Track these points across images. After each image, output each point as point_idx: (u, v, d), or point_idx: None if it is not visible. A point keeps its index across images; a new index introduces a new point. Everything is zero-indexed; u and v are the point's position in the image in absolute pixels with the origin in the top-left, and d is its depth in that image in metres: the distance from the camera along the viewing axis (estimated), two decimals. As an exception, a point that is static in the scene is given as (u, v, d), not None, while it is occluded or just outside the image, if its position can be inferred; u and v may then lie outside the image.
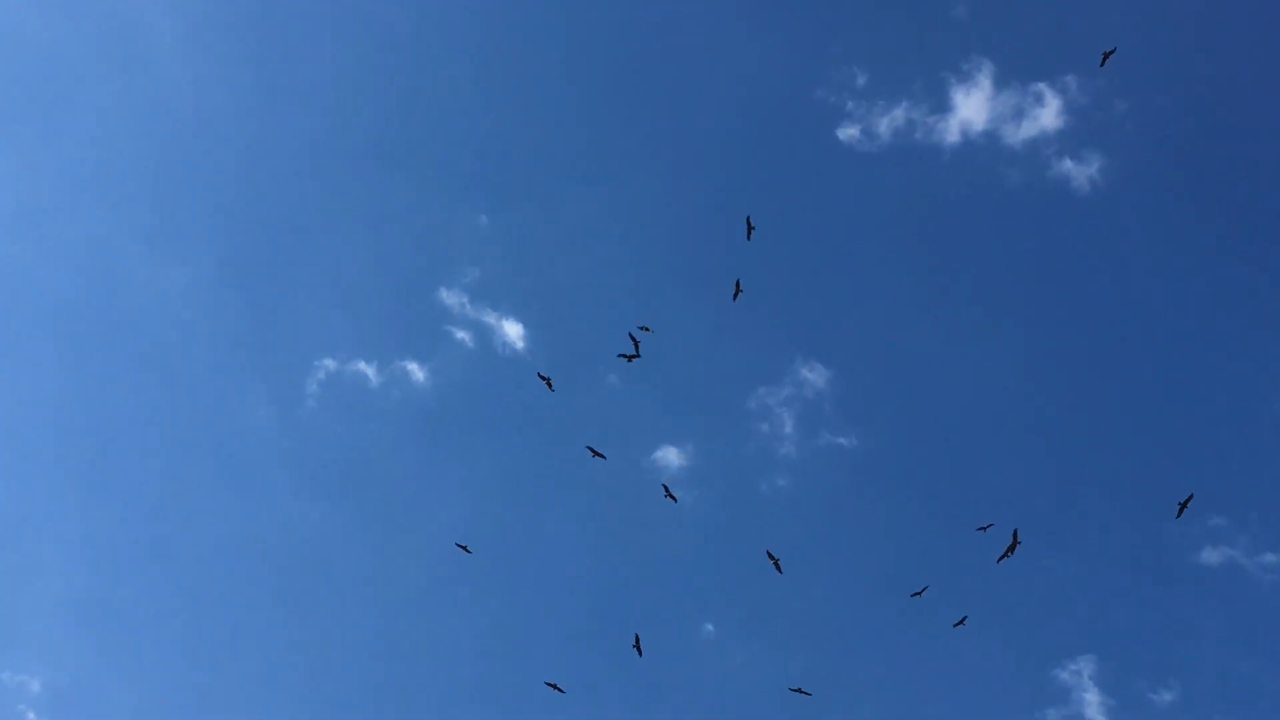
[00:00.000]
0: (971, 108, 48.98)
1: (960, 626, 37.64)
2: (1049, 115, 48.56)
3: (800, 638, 45.87)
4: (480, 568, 46.68)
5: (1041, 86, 48.82)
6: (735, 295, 38.21)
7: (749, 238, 37.87)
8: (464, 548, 39.54)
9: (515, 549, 48.47)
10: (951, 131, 49.19)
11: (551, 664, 45.28)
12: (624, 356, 38.44)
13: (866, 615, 45.93)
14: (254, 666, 46.42)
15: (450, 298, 50.41)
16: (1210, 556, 43.45)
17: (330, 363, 49.61)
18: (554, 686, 37.72)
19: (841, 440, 47.84)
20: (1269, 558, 42.97)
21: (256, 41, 54.57)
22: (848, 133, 49.83)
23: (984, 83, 49.05)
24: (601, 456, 38.70)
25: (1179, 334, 48.89)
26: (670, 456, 47.58)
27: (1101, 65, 37.67)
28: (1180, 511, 35.08)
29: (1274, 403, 46.04)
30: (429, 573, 48.21)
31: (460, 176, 54.25)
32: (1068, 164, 48.31)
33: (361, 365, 49.69)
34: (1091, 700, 41.90)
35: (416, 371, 50.00)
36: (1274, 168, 48.75)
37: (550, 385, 39.37)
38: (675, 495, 39.58)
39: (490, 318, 50.09)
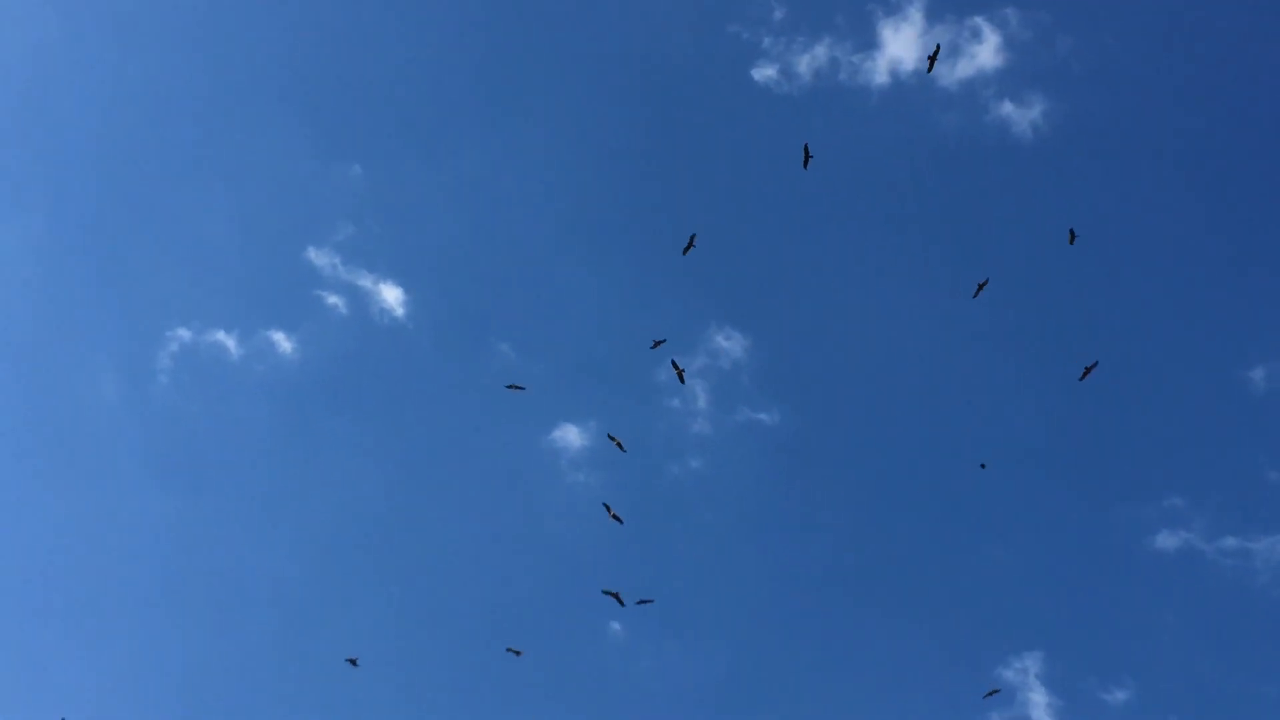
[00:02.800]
0: (901, 45, 46.76)
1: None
2: (987, 53, 46.54)
3: (719, 637, 43.55)
4: (360, 563, 45.02)
5: (978, 20, 46.74)
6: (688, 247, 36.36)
7: None
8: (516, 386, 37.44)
9: (398, 541, 45.69)
10: (879, 71, 47.00)
11: (441, 666, 43.43)
12: None
13: (792, 610, 43.56)
14: (104, 680, 42.87)
15: (320, 258, 47.36)
16: (1166, 541, 41.88)
17: (184, 333, 46.64)
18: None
19: (762, 416, 45.26)
20: (1230, 542, 41.55)
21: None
22: (764, 73, 47.42)
23: (915, 16, 46.97)
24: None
25: (1132, 299, 46.69)
26: (570, 436, 45.02)
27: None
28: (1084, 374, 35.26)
29: (1234, 369, 44.12)
30: (300, 569, 45.27)
31: (330, 121, 50.60)
32: (1008, 107, 46.45)
33: (220, 335, 46.78)
34: (1038, 700, 40.08)
35: (283, 342, 47.04)
36: (1235, 110, 47.00)
37: None
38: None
39: (365, 281, 47.20)
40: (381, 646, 43.06)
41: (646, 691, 41.92)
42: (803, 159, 34.47)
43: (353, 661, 36.70)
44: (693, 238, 35.61)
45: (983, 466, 38.17)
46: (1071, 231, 36.53)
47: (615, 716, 41.64)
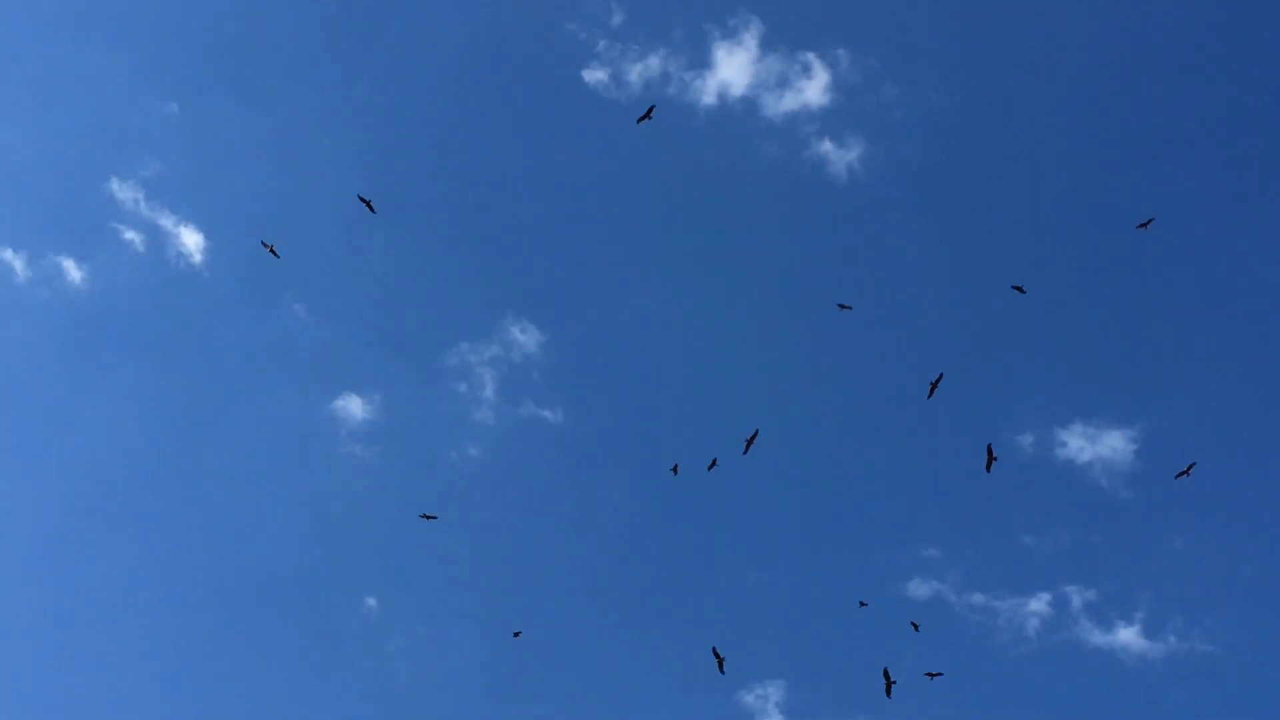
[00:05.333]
0: (733, 68, 46.25)
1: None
2: (814, 89, 46.20)
3: (472, 624, 43.05)
4: (121, 505, 44.19)
5: (810, 56, 46.33)
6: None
7: None
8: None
9: (162, 488, 44.76)
10: (708, 92, 46.48)
11: (190, 624, 42.18)
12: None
13: (549, 608, 43.15)
14: None
15: (122, 191, 45.89)
16: (918, 589, 41.95)
17: (-31, 247, 45.47)
18: None
19: (546, 413, 44.87)
20: (978, 597, 41.79)
21: None
22: (595, 76, 46.42)
23: (750, 43, 46.37)
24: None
25: (915, 347, 46.20)
26: (352, 406, 44.33)
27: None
28: (931, 391, 33.98)
29: (1005, 432, 44.00)
30: (60, 500, 44.15)
31: (154, 54, 48.87)
32: (827, 146, 46.22)
33: (8, 254, 45.19)
34: (775, 728, 40.02)
35: (72, 270, 45.61)
36: (1046, 179, 47.17)
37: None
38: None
39: (166, 221, 45.75)
40: (133, 593, 42.39)
41: (394, 669, 41.53)
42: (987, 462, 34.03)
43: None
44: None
45: None
46: None
47: (359, 688, 41.12)
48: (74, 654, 41.11)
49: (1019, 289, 35.46)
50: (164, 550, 43.18)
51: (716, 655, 33.91)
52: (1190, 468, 34.28)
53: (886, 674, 32.85)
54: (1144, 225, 35.47)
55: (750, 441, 34.57)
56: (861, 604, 36.60)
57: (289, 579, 42.69)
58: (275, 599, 42.37)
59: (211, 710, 39.91)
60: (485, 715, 40.94)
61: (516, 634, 37.16)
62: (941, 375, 33.62)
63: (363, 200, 35.02)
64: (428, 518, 37.23)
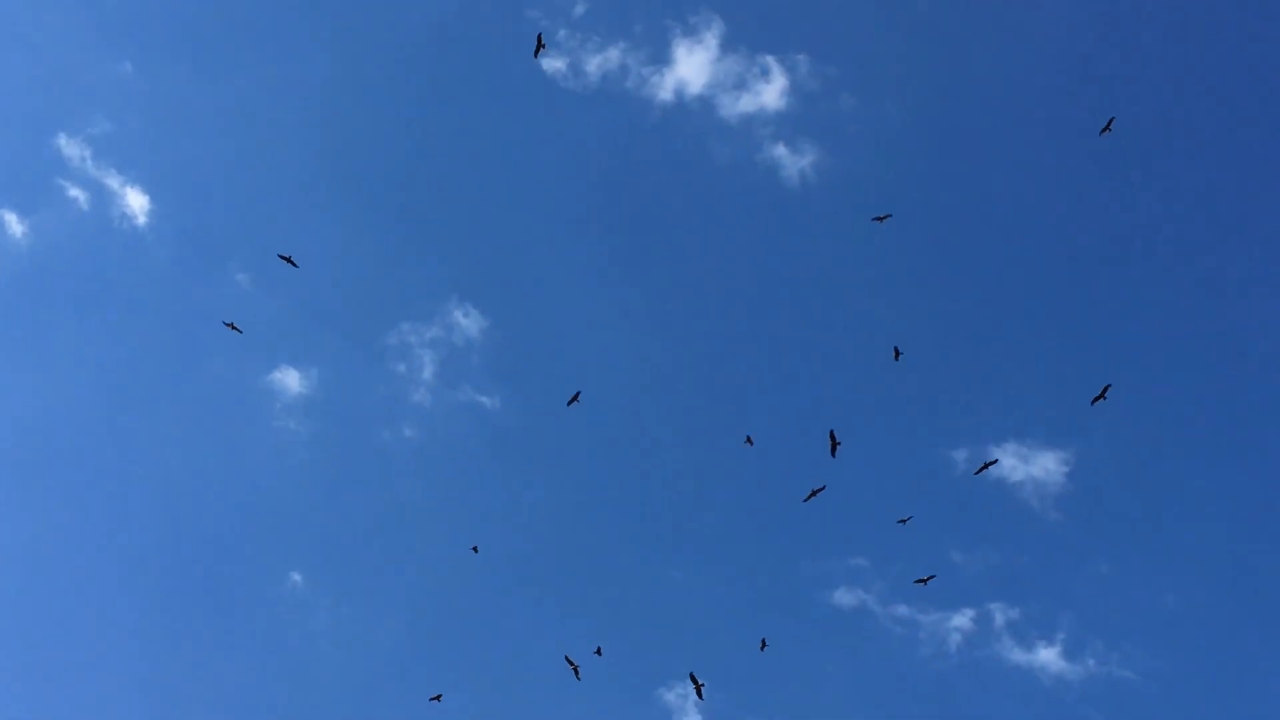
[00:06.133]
0: (692, 67, 46.11)
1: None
2: (772, 93, 46.00)
3: (395, 605, 42.95)
4: (41, 467, 43.99)
5: (770, 60, 46.16)
6: None
7: None
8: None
9: (91, 452, 44.58)
10: (666, 88, 46.30)
11: (106, 597, 41.88)
12: None
13: (476, 591, 43.21)
14: None
15: (70, 148, 45.43)
16: (844, 598, 42.08)
17: (-88, 192, 44.82)
18: None
19: (484, 399, 44.88)
20: (902, 609, 42.03)
21: None
22: (554, 65, 46.07)
23: (710, 42, 46.19)
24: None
25: (855, 357, 46.85)
26: (289, 380, 44.14)
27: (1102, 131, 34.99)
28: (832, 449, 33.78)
29: (940, 447, 44.35)
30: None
31: (109, 11, 48.59)
32: (781, 150, 46.09)
33: (-51, 202, 44.92)
34: (692, 727, 39.77)
35: (14, 223, 45.25)
36: (995, 201, 47.31)
37: None
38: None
39: (113, 181, 45.36)
40: (51, 555, 42.29)
41: (316, 646, 41.43)
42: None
43: None
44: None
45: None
46: None
47: (280, 664, 41.14)
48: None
49: (896, 351, 35.18)
50: (86, 514, 43.05)
51: (570, 663, 33.80)
52: (1106, 390, 33.66)
53: (693, 677, 32.89)
54: (1105, 128, 34.67)
55: (814, 493, 34.49)
56: (901, 521, 36.21)
57: (214, 549, 42.52)
58: (198, 569, 42.22)
59: (128, 680, 39.91)
60: (404, 696, 40.67)
61: (598, 651, 35.30)
62: (832, 432, 33.59)
63: (283, 258, 34.97)
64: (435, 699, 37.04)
